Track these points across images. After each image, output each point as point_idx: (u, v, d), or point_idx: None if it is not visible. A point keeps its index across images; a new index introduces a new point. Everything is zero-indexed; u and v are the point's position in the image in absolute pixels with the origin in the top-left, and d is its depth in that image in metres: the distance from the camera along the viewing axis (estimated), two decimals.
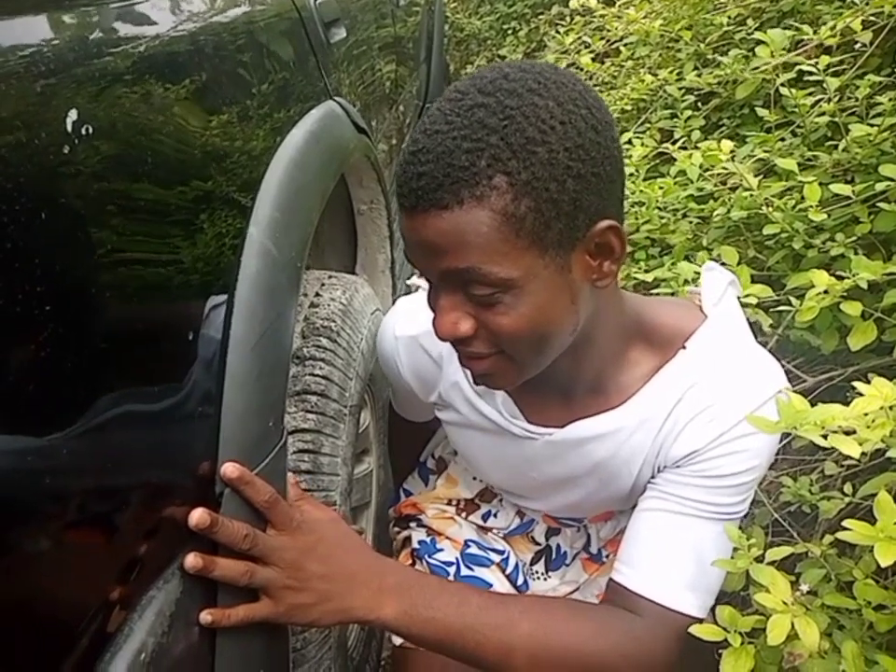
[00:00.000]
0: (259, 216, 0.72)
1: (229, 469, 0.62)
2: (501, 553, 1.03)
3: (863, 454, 0.86)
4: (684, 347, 0.76)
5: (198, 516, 0.58)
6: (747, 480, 0.74)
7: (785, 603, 0.65)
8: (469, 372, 0.80)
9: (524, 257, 0.61)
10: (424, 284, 0.90)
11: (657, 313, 0.79)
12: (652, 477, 0.80)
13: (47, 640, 0.46)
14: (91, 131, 0.48)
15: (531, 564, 1.04)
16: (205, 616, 0.61)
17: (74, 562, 0.48)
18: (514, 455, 0.85)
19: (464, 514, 1.05)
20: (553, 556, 1.04)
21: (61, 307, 0.46)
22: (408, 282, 1.01)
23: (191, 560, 0.58)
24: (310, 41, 1.07)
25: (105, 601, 0.51)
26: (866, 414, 0.61)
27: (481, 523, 1.05)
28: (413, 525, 1.08)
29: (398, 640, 0.98)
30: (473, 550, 1.03)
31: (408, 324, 0.88)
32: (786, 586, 0.66)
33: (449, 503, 1.07)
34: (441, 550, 1.03)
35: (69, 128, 0.46)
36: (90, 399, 0.48)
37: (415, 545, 1.04)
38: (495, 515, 1.05)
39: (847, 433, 0.65)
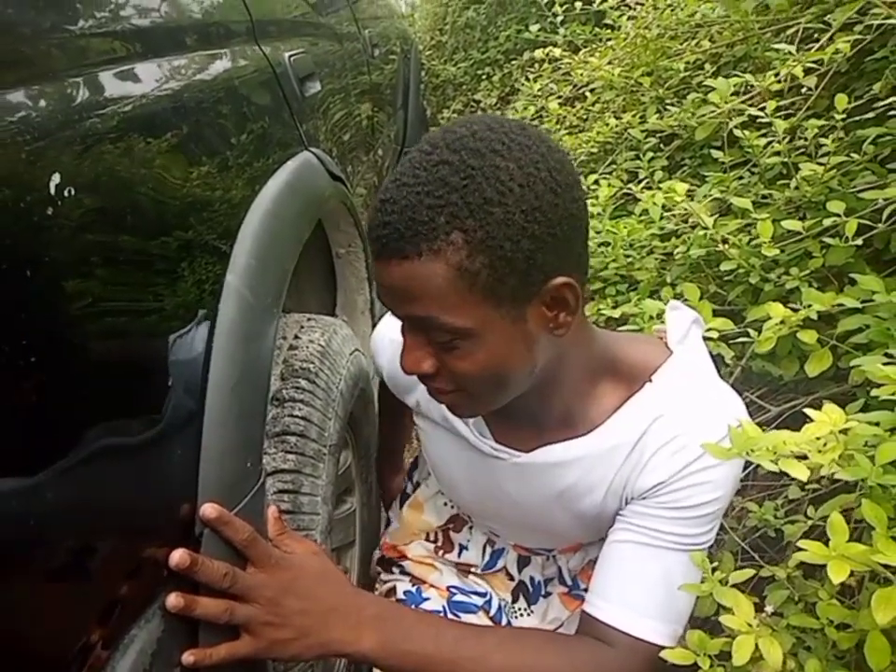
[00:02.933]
0: (236, 264, 0.76)
1: (207, 509, 0.64)
2: (483, 595, 1.05)
3: (824, 477, 0.89)
4: (650, 381, 0.79)
5: (178, 557, 0.60)
6: (711, 511, 0.76)
7: (749, 624, 0.68)
8: None
9: (478, 308, 0.64)
10: None
11: (625, 349, 0.82)
12: (620, 509, 0.82)
13: None
14: (73, 192, 0.51)
15: (512, 602, 1.06)
16: (188, 657, 0.62)
17: (56, 602, 0.50)
18: (483, 472, 0.88)
19: (442, 553, 1.07)
20: (531, 590, 1.05)
21: (45, 354, 0.49)
22: None
23: (173, 600, 0.60)
24: (285, 96, 1.12)
25: (87, 640, 0.52)
26: (817, 439, 0.64)
27: (457, 559, 1.06)
28: (396, 571, 1.09)
29: None
30: (459, 597, 1.04)
31: (398, 328, 0.91)
32: (749, 608, 0.69)
33: (427, 539, 1.09)
34: (428, 598, 1.04)
35: (52, 191, 0.49)
36: (72, 441, 0.51)
37: (401, 595, 1.06)
38: (466, 549, 1.06)
39: (801, 458, 0.68)
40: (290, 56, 1.20)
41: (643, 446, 0.77)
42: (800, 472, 0.61)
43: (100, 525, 0.54)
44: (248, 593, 0.67)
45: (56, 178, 0.50)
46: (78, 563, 0.52)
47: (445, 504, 1.07)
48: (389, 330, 0.92)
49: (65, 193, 0.50)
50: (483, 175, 0.62)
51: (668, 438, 0.76)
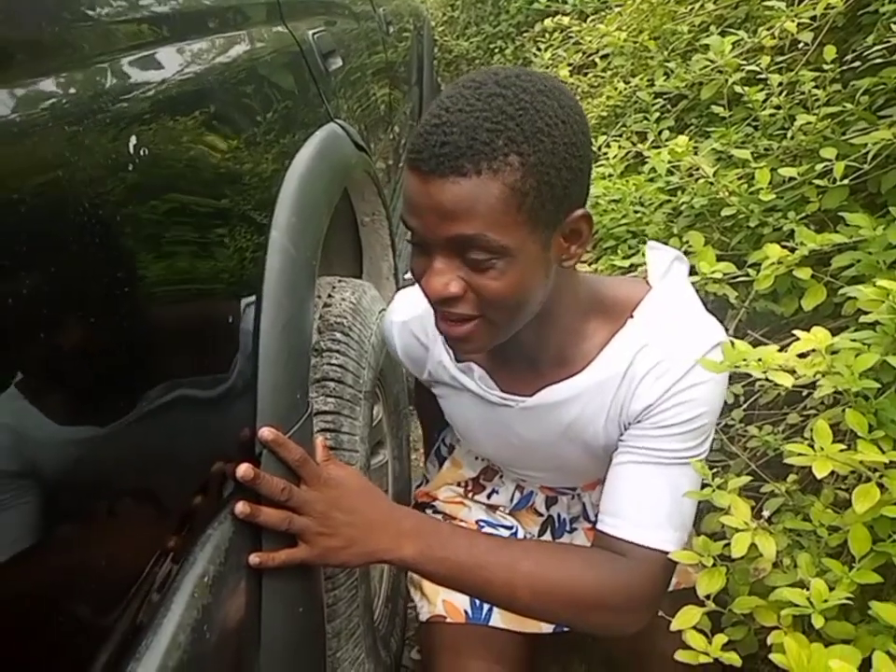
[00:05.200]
0: (279, 221, 0.85)
1: (265, 432, 0.73)
2: (510, 528, 1.14)
3: (822, 404, 0.97)
4: (632, 316, 0.87)
5: (243, 469, 0.70)
6: (699, 425, 0.83)
7: (746, 523, 0.76)
8: (448, 348, 0.93)
9: (520, 229, 0.71)
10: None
11: (608, 289, 0.90)
12: (620, 435, 0.90)
13: (135, 560, 0.58)
14: (146, 152, 0.60)
15: (539, 535, 1.15)
16: (253, 558, 0.72)
17: (151, 507, 0.61)
18: (496, 422, 0.96)
19: (471, 495, 1.16)
20: (557, 525, 1.14)
21: (128, 305, 0.58)
22: (405, 276, 1.14)
23: (240, 507, 0.70)
24: (311, 71, 1.20)
25: (177, 535, 0.62)
26: (801, 355, 0.72)
27: (486, 501, 1.15)
28: (428, 512, 1.18)
29: (424, 616, 1.08)
30: (487, 529, 1.13)
31: (402, 311, 1.02)
32: (746, 509, 0.77)
33: (458, 485, 1.18)
34: None
35: (131, 150, 0.58)
36: (150, 383, 0.59)
37: None
38: (497, 492, 1.15)
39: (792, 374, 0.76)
40: (313, 34, 1.28)
41: (632, 375, 0.85)
42: (784, 380, 0.69)
43: (180, 448, 0.64)
44: (302, 506, 0.76)
45: (133, 140, 0.58)
46: (168, 475, 0.62)
47: (476, 458, 1.16)
48: (395, 315, 1.02)
49: (141, 153, 0.59)
50: (535, 108, 0.70)
51: (652, 364, 0.84)
